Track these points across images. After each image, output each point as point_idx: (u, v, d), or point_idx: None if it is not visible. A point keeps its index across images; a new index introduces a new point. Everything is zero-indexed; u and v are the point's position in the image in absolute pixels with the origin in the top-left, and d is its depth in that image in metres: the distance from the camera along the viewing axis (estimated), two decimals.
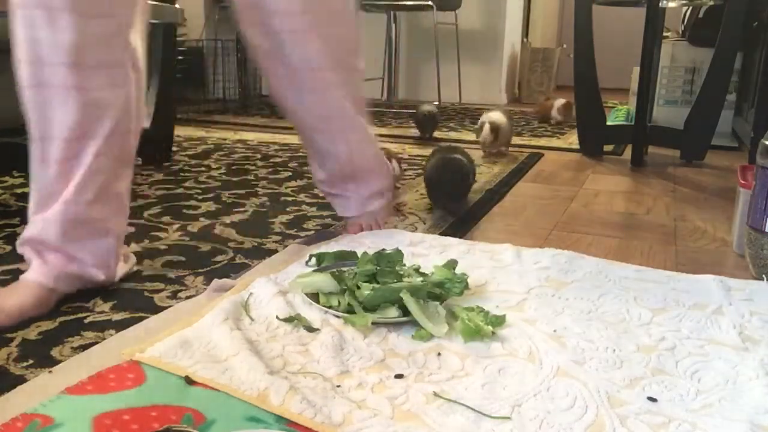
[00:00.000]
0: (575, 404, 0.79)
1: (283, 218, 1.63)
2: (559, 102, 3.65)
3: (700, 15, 3.07)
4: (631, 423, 0.75)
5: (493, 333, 0.95)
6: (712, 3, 2.65)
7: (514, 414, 0.76)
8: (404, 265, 1.14)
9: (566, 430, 0.74)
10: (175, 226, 1.53)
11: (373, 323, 0.97)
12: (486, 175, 2.21)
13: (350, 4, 1.33)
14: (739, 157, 2.68)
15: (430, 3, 3.99)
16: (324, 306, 1.02)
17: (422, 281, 1.05)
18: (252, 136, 2.99)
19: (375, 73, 4.72)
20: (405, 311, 0.98)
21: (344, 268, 1.12)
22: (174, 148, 2.47)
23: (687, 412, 0.78)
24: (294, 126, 1.42)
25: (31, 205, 1.09)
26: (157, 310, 1.06)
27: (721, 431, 0.74)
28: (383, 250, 1.18)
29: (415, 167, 2.31)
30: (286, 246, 1.39)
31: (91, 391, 0.78)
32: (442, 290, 1.04)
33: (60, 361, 0.88)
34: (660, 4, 2.46)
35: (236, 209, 1.70)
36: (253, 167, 2.27)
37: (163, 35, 2.17)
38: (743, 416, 0.77)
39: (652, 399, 0.80)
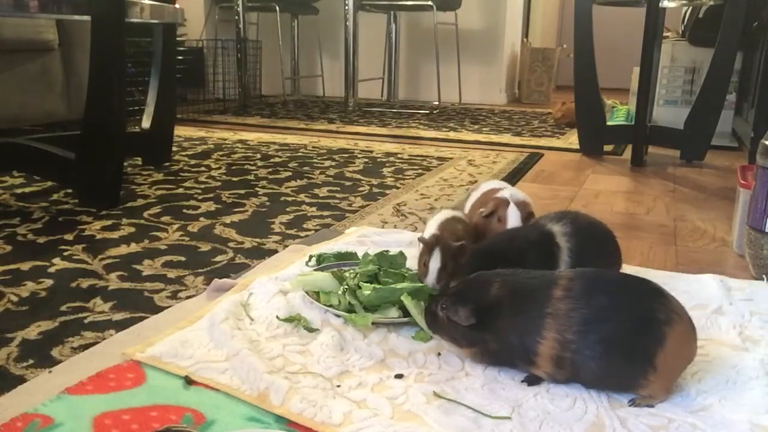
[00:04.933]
0: (575, 404, 0.79)
1: (283, 218, 1.63)
2: None
3: (700, 15, 3.07)
4: (631, 424, 0.75)
5: None
6: (712, 3, 2.64)
7: (514, 414, 0.76)
8: (408, 269, 1.12)
9: (566, 431, 0.74)
10: (175, 226, 1.53)
11: (373, 323, 0.96)
12: (486, 174, 2.21)
13: None
14: (739, 157, 2.68)
15: (430, 3, 3.99)
16: (324, 305, 1.02)
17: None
18: (252, 136, 2.99)
19: (375, 73, 4.72)
20: (406, 311, 0.98)
21: (345, 268, 1.12)
22: (174, 148, 2.47)
23: (687, 412, 0.77)
24: None
25: None
26: (157, 310, 1.06)
27: (721, 431, 0.74)
28: (386, 251, 1.17)
29: (415, 167, 2.31)
30: (286, 246, 1.39)
31: (91, 391, 0.78)
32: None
33: (60, 361, 0.88)
34: (660, 4, 2.46)
35: (236, 209, 1.70)
36: (253, 167, 2.27)
37: (163, 35, 2.17)
38: (743, 416, 0.76)
39: (650, 405, 0.79)
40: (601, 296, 0.79)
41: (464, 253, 1.05)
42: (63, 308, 1.05)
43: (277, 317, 0.99)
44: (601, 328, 0.77)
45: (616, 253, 1.06)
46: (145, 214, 1.63)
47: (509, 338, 0.82)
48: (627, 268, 1.26)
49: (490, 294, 0.83)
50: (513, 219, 1.11)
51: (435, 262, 1.02)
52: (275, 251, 1.36)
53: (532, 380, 0.83)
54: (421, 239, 1.07)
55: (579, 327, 0.77)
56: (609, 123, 2.97)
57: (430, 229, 1.11)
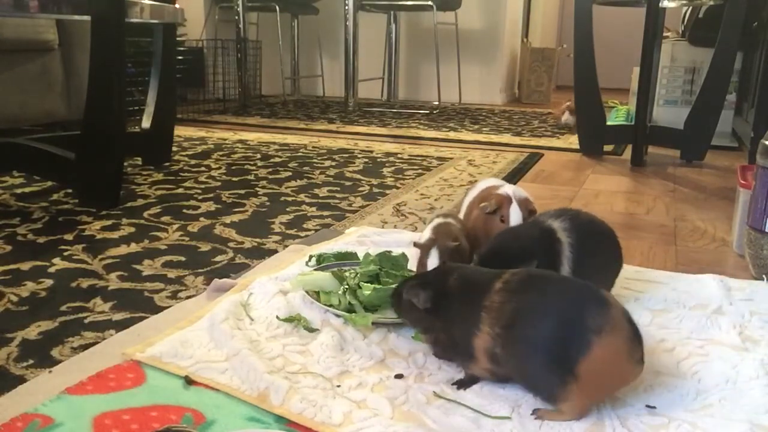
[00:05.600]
0: None
1: (283, 218, 1.63)
2: None
3: (700, 15, 3.07)
4: (631, 424, 0.75)
5: None
6: (712, 3, 2.64)
7: (514, 414, 0.76)
8: (410, 270, 1.12)
9: (566, 430, 0.74)
10: (175, 226, 1.53)
11: (373, 323, 0.96)
12: (486, 175, 2.21)
13: None
14: (739, 157, 2.68)
15: (430, 3, 3.99)
16: (324, 305, 1.02)
17: None
18: (252, 136, 2.99)
19: (375, 73, 4.72)
20: None
21: (345, 268, 1.12)
22: (174, 148, 2.47)
23: (687, 413, 0.77)
24: None
25: None
26: (157, 310, 1.06)
27: (721, 431, 0.74)
28: (388, 251, 1.16)
29: (415, 167, 2.31)
30: (286, 246, 1.39)
31: (91, 391, 0.78)
32: None
33: (60, 361, 0.88)
34: (660, 4, 2.46)
35: (236, 209, 1.70)
36: (253, 167, 2.27)
37: (163, 35, 2.17)
38: (743, 416, 0.76)
39: (650, 406, 0.79)
40: (534, 293, 0.76)
41: (461, 252, 1.05)
42: (63, 308, 1.05)
43: (277, 317, 0.99)
44: (525, 324, 0.74)
45: (616, 249, 1.07)
46: (145, 214, 1.63)
47: (453, 330, 0.82)
48: (627, 268, 1.26)
49: (447, 284, 0.84)
50: (515, 217, 1.11)
51: (433, 260, 1.03)
52: (275, 251, 1.36)
53: (464, 383, 0.83)
54: (416, 244, 1.07)
55: (507, 321, 0.75)
56: (609, 123, 2.97)
57: (426, 235, 1.12)
